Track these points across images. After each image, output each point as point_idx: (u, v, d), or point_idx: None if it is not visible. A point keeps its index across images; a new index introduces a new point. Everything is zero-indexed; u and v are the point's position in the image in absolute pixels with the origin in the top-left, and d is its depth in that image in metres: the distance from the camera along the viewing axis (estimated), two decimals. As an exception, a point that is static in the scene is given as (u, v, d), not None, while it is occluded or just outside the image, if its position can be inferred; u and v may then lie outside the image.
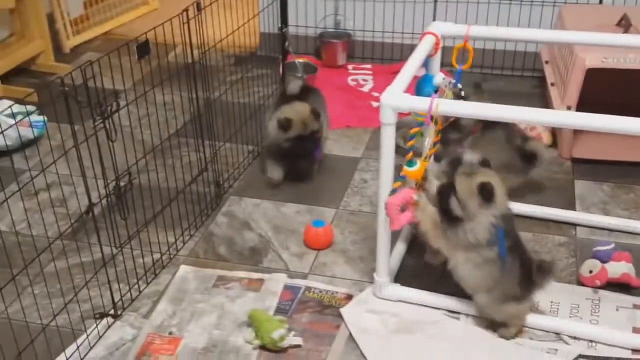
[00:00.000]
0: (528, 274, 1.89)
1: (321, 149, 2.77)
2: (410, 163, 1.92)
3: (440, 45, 2.29)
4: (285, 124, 2.57)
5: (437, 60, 2.32)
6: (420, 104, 1.88)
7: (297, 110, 2.61)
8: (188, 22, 2.25)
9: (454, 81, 2.31)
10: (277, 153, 2.68)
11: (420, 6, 3.54)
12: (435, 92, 2.25)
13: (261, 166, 2.84)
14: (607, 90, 2.86)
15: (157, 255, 2.28)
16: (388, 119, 1.89)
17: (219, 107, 2.72)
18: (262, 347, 1.94)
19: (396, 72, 2.02)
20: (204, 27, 2.32)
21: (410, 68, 2.05)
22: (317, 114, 2.62)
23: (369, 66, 3.69)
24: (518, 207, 2.46)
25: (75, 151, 1.81)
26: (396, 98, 1.88)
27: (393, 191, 1.92)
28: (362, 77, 3.59)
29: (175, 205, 2.38)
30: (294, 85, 2.80)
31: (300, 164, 2.72)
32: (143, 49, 2.08)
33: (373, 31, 3.69)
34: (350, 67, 3.68)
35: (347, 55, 3.72)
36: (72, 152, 1.81)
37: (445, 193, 1.86)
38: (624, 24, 2.84)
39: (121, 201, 2.03)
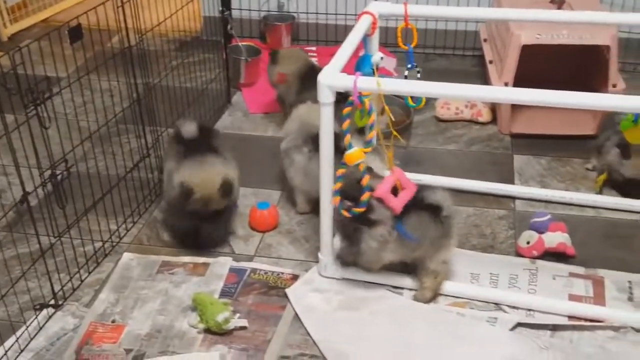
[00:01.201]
0: (435, 211, 1.96)
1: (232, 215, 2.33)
2: (349, 146, 1.91)
3: (378, 24, 2.30)
4: (185, 193, 2.08)
5: (375, 39, 2.34)
6: (360, 83, 1.89)
7: (205, 179, 2.10)
8: (122, 6, 2.21)
9: (410, 65, 2.33)
10: (179, 212, 2.19)
11: (362, -13, 3.55)
12: (374, 70, 2.28)
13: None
14: (543, 65, 2.93)
15: (99, 244, 2.25)
16: (326, 98, 1.89)
17: (163, 92, 2.69)
18: (207, 331, 1.94)
19: (341, 54, 2.02)
20: (142, 12, 2.29)
21: (347, 48, 2.05)
22: (228, 189, 2.12)
23: (313, 48, 3.68)
24: (459, 183, 2.53)
25: (7, 140, 1.76)
26: (333, 77, 1.89)
27: (339, 178, 1.92)
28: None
29: (117, 192, 2.34)
30: (190, 128, 2.31)
31: (206, 228, 2.24)
32: (75, 33, 2.03)
33: (317, 13, 3.68)
34: (295, 49, 3.67)
35: (292, 37, 3.71)
36: (6, 142, 1.76)
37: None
38: (557, 1, 2.90)
39: (58, 190, 2.00)
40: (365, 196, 1.88)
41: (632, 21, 2.53)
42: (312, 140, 2.22)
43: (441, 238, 1.98)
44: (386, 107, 1.94)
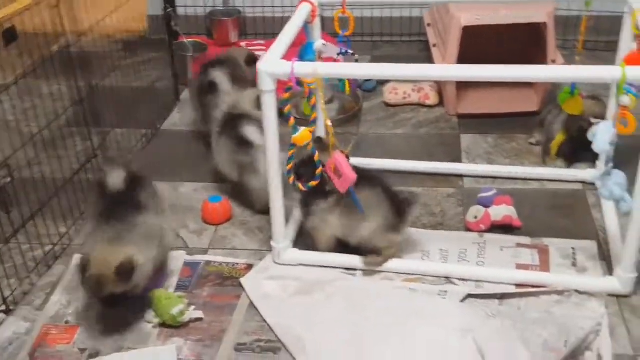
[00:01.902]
0: (398, 205, 2.06)
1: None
2: (294, 129, 1.94)
3: (318, 12, 2.33)
4: (80, 267, 1.85)
5: (316, 27, 2.36)
6: (297, 69, 1.91)
7: (105, 256, 1.80)
8: (58, 6, 2.20)
9: (345, 49, 2.38)
10: None
11: (306, -21, 3.57)
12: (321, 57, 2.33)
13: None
14: (487, 48, 2.98)
15: (49, 247, 2.23)
16: (267, 86, 1.91)
17: (108, 93, 2.67)
18: (163, 325, 1.94)
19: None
20: (79, 13, 2.28)
21: (287, 35, 2.07)
22: (127, 273, 1.79)
23: (262, 42, 3.69)
24: (409, 165, 2.58)
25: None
26: (273, 65, 1.91)
27: (291, 159, 1.95)
28: (255, 53, 3.58)
29: (65, 195, 2.32)
30: (116, 178, 2.02)
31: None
32: (9, 35, 2.01)
33: (263, 7, 3.69)
34: (243, 44, 3.67)
35: (239, 32, 3.71)
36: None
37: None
38: (496, -18, 2.96)
39: (2, 195, 1.98)
40: (318, 170, 1.95)
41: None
42: (219, 123, 2.42)
43: (391, 226, 2.05)
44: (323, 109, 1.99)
